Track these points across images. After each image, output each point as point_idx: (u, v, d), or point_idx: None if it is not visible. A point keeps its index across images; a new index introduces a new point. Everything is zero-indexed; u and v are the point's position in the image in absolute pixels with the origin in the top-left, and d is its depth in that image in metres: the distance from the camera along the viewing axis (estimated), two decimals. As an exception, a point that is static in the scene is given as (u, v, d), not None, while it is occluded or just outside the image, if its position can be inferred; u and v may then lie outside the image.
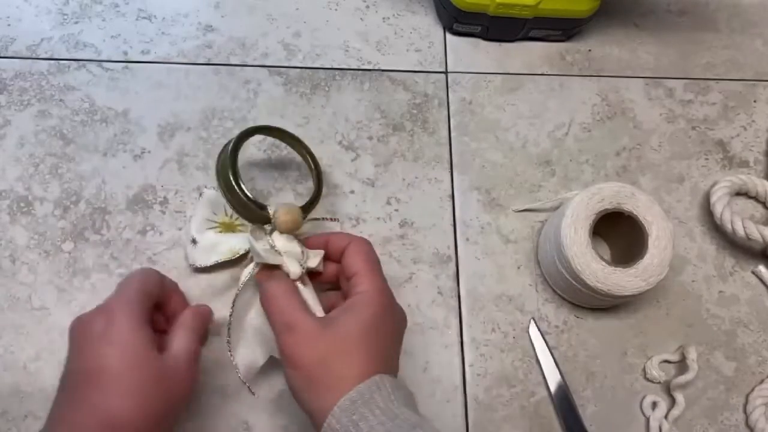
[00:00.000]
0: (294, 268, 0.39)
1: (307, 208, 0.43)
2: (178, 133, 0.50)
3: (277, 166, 0.50)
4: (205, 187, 0.47)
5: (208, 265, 0.44)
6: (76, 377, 0.35)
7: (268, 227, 0.42)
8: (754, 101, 0.57)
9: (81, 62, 0.52)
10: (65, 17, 0.53)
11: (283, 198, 0.48)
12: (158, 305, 0.40)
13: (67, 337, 0.37)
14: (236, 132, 0.50)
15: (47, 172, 0.48)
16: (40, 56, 0.52)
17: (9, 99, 0.50)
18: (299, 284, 0.40)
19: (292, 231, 0.41)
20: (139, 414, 0.33)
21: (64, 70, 0.51)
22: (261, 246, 0.40)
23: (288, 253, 0.40)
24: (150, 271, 0.41)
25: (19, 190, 0.47)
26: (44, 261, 0.45)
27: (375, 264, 0.40)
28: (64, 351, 0.42)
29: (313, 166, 0.46)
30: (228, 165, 0.42)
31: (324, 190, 0.49)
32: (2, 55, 0.51)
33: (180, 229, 0.47)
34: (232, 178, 0.42)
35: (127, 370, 0.34)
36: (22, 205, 0.47)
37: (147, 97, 0.51)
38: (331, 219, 0.47)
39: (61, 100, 0.50)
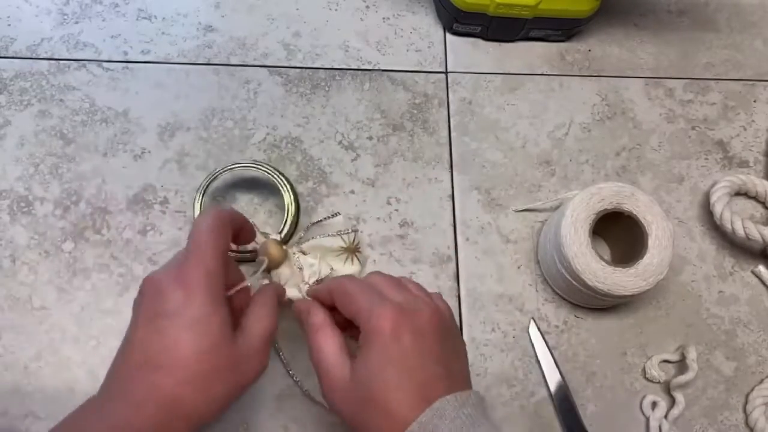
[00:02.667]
0: (293, 294, 0.41)
1: (285, 230, 0.45)
2: (178, 133, 0.50)
3: (277, 165, 0.50)
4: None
5: None
6: (141, 353, 0.32)
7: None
8: (754, 101, 0.57)
9: (81, 62, 0.52)
10: (65, 17, 0.53)
11: (282, 198, 0.48)
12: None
13: (138, 294, 0.35)
14: (236, 132, 0.50)
15: (47, 172, 0.48)
16: (41, 56, 0.52)
17: (9, 99, 0.50)
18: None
19: (279, 264, 0.43)
20: (203, 401, 0.32)
21: (64, 70, 0.51)
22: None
23: (288, 282, 0.42)
24: (223, 217, 0.36)
25: (20, 190, 0.47)
26: (44, 261, 0.45)
27: (361, 291, 0.35)
28: (64, 350, 0.43)
29: (290, 194, 0.47)
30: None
31: (324, 190, 0.49)
32: (2, 55, 0.51)
33: (180, 228, 0.47)
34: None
35: (198, 355, 0.32)
36: (22, 205, 0.47)
37: (147, 97, 0.51)
38: (333, 215, 0.46)
39: (61, 100, 0.50)
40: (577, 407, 0.44)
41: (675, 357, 0.47)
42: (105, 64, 0.52)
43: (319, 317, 0.36)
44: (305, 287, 0.42)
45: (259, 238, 0.44)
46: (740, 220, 0.48)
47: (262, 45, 0.54)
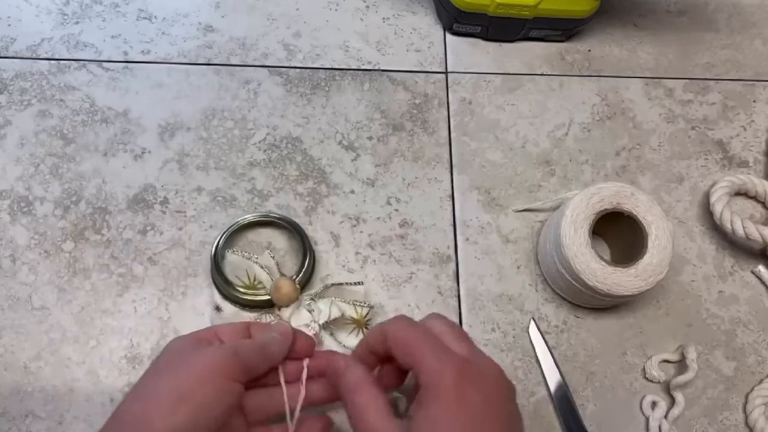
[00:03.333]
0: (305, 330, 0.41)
1: (299, 277, 0.44)
2: (179, 133, 0.50)
3: (277, 165, 0.50)
4: (228, 251, 0.45)
5: None
6: None
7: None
8: (754, 101, 0.57)
9: (81, 62, 0.52)
10: (65, 17, 0.53)
11: (284, 197, 0.49)
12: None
13: None
14: (236, 132, 0.51)
15: (48, 172, 0.48)
16: (41, 56, 0.52)
17: (9, 99, 0.50)
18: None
19: (291, 302, 0.43)
20: (139, 401, 0.31)
21: (64, 70, 0.51)
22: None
23: (297, 321, 0.42)
24: (231, 324, 0.38)
25: (20, 190, 0.47)
26: (44, 261, 0.45)
27: (423, 341, 0.32)
28: (64, 350, 0.43)
29: (304, 244, 0.46)
30: (216, 272, 0.44)
31: (324, 190, 0.49)
32: (3, 55, 0.51)
33: (180, 228, 0.47)
34: (224, 284, 0.44)
35: (151, 368, 0.33)
36: (22, 205, 0.47)
37: (147, 97, 0.51)
38: (355, 283, 0.45)
39: (61, 100, 0.50)
40: (577, 407, 0.44)
41: (675, 357, 0.47)
42: (105, 64, 0.52)
43: (357, 374, 0.33)
44: (315, 326, 0.41)
45: (274, 275, 0.44)
46: (740, 220, 0.48)
47: (262, 45, 0.54)
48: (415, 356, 0.31)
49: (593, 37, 0.58)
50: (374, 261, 0.47)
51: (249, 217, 0.46)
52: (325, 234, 0.48)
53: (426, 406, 0.29)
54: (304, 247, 0.45)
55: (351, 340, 0.43)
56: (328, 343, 0.43)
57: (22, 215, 0.46)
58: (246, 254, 0.45)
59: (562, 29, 0.56)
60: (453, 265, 0.48)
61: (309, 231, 0.47)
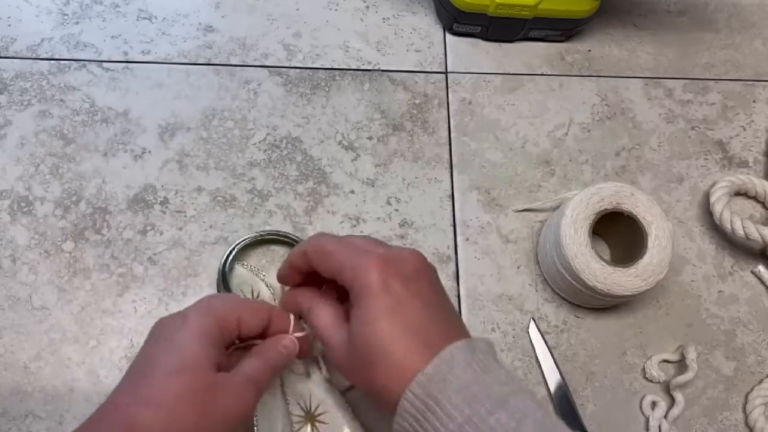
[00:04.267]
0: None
1: None
2: (179, 133, 0.50)
3: (277, 165, 0.50)
4: (238, 263, 0.45)
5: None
6: (125, 375, 0.32)
7: None
8: (754, 101, 0.57)
9: (81, 62, 0.52)
10: (66, 17, 0.54)
11: (284, 197, 0.49)
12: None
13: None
14: (236, 132, 0.51)
15: (48, 172, 0.48)
16: (41, 56, 0.52)
17: (9, 99, 0.50)
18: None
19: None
20: (162, 426, 0.29)
21: (64, 70, 0.51)
22: None
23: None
24: (255, 306, 0.36)
25: (20, 190, 0.47)
26: (45, 261, 0.45)
27: (341, 247, 0.34)
28: (64, 350, 0.43)
29: None
30: (222, 283, 0.44)
31: (324, 190, 0.49)
32: (3, 55, 0.51)
33: (180, 228, 0.47)
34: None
35: (169, 375, 0.30)
36: (22, 204, 0.47)
37: (147, 97, 0.51)
38: None
39: (61, 100, 0.50)
40: (577, 407, 0.44)
41: (675, 357, 0.47)
42: (105, 64, 0.52)
43: (308, 297, 0.36)
44: (323, 368, 0.40)
45: (278, 296, 0.43)
46: (740, 220, 0.48)
47: (262, 45, 0.54)
48: (336, 263, 0.33)
49: (593, 37, 0.58)
50: (374, 261, 0.47)
51: (266, 231, 0.46)
52: (325, 234, 0.48)
53: (357, 306, 0.32)
54: None
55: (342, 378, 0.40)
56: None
57: (22, 215, 0.46)
58: (255, 269, 0.45)
59: (562, 29, 0.56)
60: (453, 265, 0.48)
61: (309, 231, 0.47)
